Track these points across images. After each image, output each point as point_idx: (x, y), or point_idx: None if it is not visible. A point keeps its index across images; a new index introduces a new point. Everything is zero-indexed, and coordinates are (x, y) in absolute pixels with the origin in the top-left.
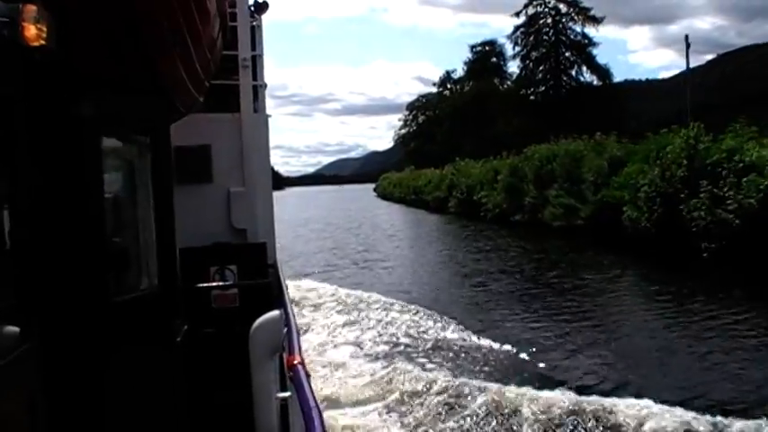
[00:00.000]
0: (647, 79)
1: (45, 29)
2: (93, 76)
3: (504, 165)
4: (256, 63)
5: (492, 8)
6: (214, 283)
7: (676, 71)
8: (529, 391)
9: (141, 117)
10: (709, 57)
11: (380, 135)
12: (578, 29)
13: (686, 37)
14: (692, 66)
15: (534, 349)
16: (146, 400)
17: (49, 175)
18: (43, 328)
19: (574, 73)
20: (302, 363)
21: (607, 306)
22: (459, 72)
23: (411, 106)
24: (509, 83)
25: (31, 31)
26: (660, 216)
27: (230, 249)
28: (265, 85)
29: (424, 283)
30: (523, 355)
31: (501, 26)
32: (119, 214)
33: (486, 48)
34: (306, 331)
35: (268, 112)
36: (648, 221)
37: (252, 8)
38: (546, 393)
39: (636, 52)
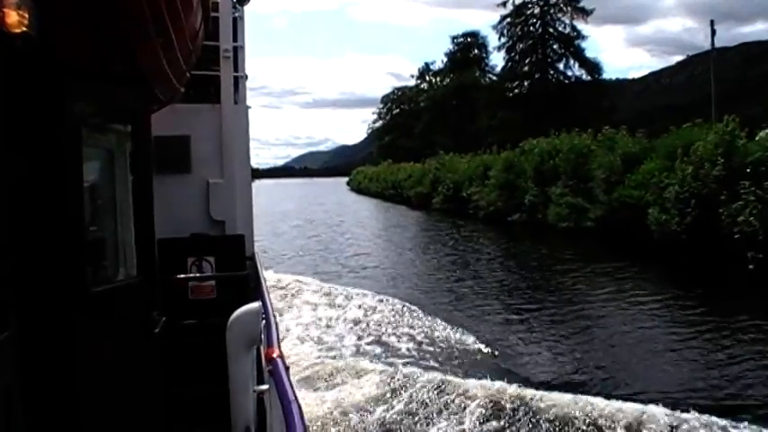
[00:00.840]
0: (617, 78)
1: (27, 15)
2: (75, 63)
3: (496, 160)
4: (238, 54)
5: (467, 3)
6: (191, 275)
7: (646, 71)
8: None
9: (122, 106)
10: (678, 58)
11: (351, 129)
12: (567, 21)
13: (711, 22)
14: (661, 67)
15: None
16: (123, 391)
17: (27, 164)
18: (21, 317)
19: (561, 66)
20: (281, 356)
21: (660, 332)
22: (439, 64)
23: (386, 99)
24: (491, 76)
25: (12, 17)
26: (693, 219)
27: (208, 241)
28: (246, 77)
29: (442, 298)
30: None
31: (476, 22)
32: (97, 203)
33: (469, 39)
34: (297, 325)
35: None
36: (679, 225)
37: None
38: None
39: (606, 51)
